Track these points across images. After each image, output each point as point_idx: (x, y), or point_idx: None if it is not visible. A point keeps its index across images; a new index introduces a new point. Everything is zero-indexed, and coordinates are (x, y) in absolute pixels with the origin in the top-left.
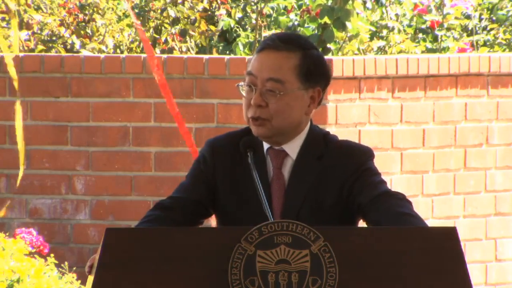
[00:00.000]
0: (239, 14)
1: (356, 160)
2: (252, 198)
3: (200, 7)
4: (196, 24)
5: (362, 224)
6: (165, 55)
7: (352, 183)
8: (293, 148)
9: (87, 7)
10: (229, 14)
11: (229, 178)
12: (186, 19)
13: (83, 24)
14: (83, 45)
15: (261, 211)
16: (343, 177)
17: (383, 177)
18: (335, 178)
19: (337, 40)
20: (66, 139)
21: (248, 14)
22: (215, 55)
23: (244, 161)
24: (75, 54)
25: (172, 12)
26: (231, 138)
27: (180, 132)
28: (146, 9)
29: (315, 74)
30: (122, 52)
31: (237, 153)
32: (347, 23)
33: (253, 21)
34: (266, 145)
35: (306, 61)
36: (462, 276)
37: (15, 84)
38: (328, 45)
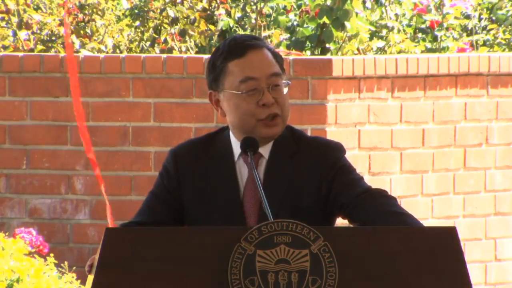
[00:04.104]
0: (238, 14)
1: (330, 156)
2: (221, 204)
3: (199, 6)
4: (196, 24)
5: (342, 223)
6: (164, 55)
7: (330, 180)
8: (266, 148)
9: (87, 7)
10: (228, 14)
11: (196, 185)
12: (185, 19)
13: (83, 24)
14: (82, 45)
15: (232, 216)
16: (320, 174)
17: (383, 176)
18: (310, 175)
19: (337, 40)
20: (66, 139)
21: (247, 14)
22: None
23: (211, 166)
24: (74, 54)
25: (171, 12)
26: (195, 145)
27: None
28: (146, 9)
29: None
30: (121, 52)
31: (203, 159)
32: (346, 23)
33: (253, 21)
34: (237, 152)
35: (275, 53)
36: (462, 275)
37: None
38: (328, 45)
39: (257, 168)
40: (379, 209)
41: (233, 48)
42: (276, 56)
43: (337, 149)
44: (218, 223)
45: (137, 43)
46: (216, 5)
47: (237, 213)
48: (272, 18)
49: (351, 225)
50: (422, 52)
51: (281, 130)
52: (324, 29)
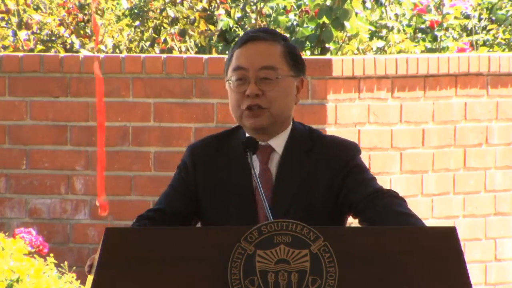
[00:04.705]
0: (238, 14)
1: (344, 155)
2: (236, 201)
3: (199, 6)
4: (196, 24)
5: (352, 221)
6: (164, 55)
7: (342, 179)
8: (278, 142)
9: (87, 7)
10: (228, 14)
11: (211, 180)
12: (185, 19)
13: (83, 24)
14: (82, 45)
15: (245, 211)
16: (332, 172)
17: (383, 176)
18: (323, 173)
19: (337, 40)
20: (66, 139)
21: (247, 14)
22: (214, 55)
23: (226, 164)
24: (74, 54)
25: (171, 12)
26: (211, 141)
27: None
28: (145, 9)
29: (300, 62)
30: (121, 52)
31: (218, 156)
32: (346, 23)
33: (253, 21)
34: None
35: (290, 49)
36: (461, 276)
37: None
38: (327, 45)
39: (269, 162)
40: (385, 209)
41: (240, 38)
42: (290, 53)
43: (351, 149)
44: (232, 217)
45: (136, 43)
46: (216, 5)
47: (250, 208)
48: (272, 18)
49: (359, 225)
50: (422, 52)
51: (267, 122)
52: (324, 29)
